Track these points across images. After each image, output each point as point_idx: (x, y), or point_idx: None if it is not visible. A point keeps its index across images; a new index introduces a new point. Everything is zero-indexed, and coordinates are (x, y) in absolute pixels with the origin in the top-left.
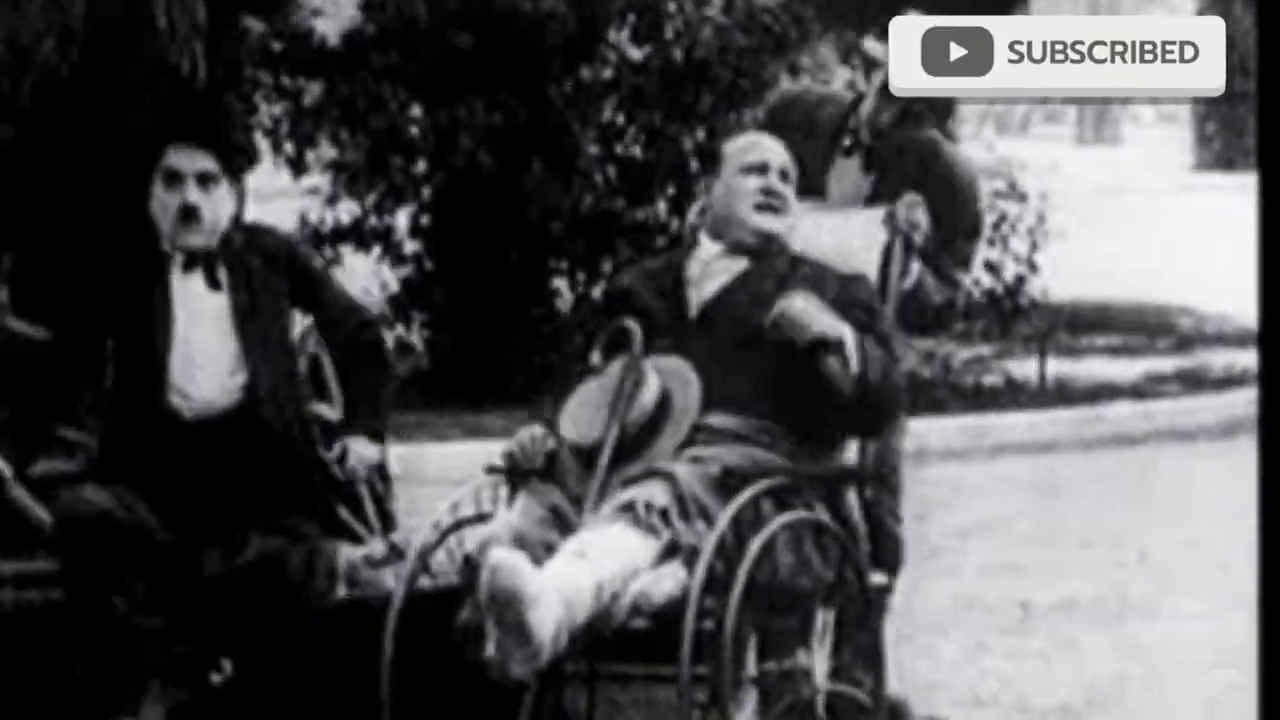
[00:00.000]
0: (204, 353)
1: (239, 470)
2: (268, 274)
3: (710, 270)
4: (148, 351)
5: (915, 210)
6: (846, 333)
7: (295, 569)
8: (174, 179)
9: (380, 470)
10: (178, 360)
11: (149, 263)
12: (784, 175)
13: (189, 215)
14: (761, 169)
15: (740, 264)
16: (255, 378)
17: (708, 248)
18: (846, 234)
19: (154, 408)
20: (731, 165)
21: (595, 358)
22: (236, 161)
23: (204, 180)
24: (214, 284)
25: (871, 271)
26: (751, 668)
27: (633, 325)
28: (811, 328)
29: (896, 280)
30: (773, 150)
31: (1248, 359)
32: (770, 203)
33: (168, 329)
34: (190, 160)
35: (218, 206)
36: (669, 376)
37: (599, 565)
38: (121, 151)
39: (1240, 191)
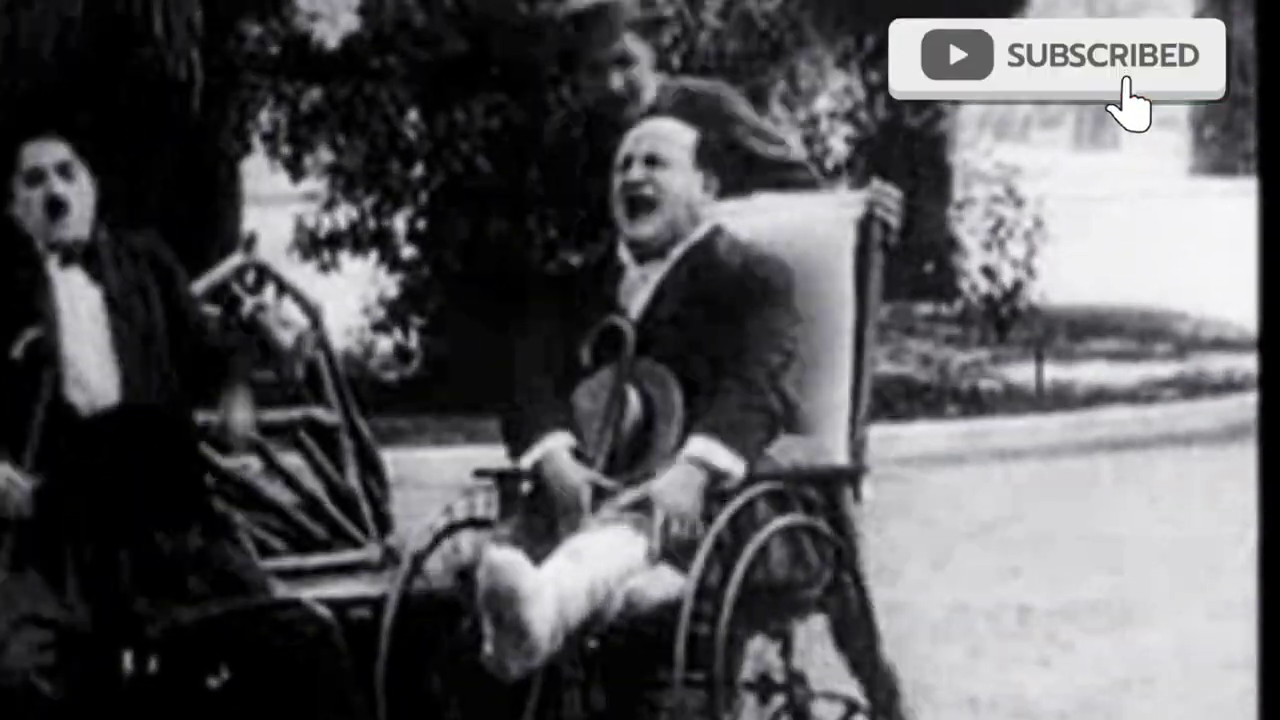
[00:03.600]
0: (89, 345)
1: (132, 467)
2: (135, 270)
3: (635, 286)
4: (41, 349)
5: (890, 196)
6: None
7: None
8: (35, 176)
9: (377, 475)
10: (69, 353)
11: (25, 262)
12: (650, 161)
13: (57, 208)
14: (624, 165)
15: (658, 271)
16: (130, 372)
17: (630, 268)
18: (813, 217)
19: (54, 404)
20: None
21: (584, 357)
22: (90, 146)
23: (64, 170)
24: (96, 276)
25: (845, 255)
26: (748, 671)
27: (624, 324)
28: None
29: (877, 266)
30: (639, 137)
31: (1246, 364)
32: (636, 194)
33: (55, 326)
34: (48, 154)
35: (83, 196)
36: (649, 381)
37: (594, 565)
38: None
39: (1238, 196)
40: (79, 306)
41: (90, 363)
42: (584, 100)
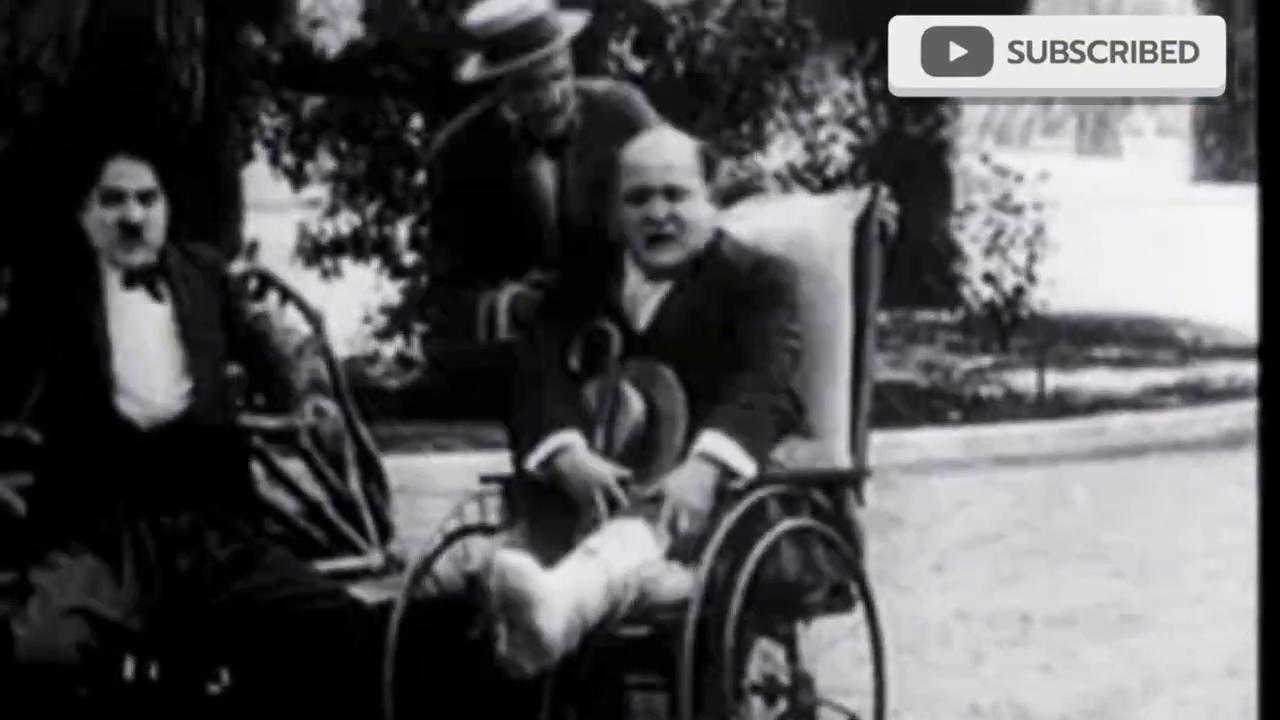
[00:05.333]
0: (151, 361)
1: (190, 474)
2: (204, 286)
3: (641, 296)
4: (90, 360)
5: (888, 201)
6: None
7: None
8: (114, 196)
9: (378, 481)
10: (123, 369)
11: (85, 273)
12: (670, 194)
13: (131, 233)
14: (641, 196)
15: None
16: (199, 384)
17: (632, 274)
18: (809, 220)
19: (106, 415)
20: (620, 189)
21: (574, 363)
22: (175, 169)
23: (145, 198)
24: (156, 296)
25: (842, 258)
26: (754, 674)
27: (611, 328)
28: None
29: (875, 268)
30: (655, 167)
31: (1247, 371)
32: (658, 232)
33: (106, 339)
34: (131, 178)
35: (157, 222)
36: (649, 383)
37: (612, 563)
38: (65, 161)
39: (1240, 203)
40: (141, 324)
41: (149, 378)
42: (508, 113)
